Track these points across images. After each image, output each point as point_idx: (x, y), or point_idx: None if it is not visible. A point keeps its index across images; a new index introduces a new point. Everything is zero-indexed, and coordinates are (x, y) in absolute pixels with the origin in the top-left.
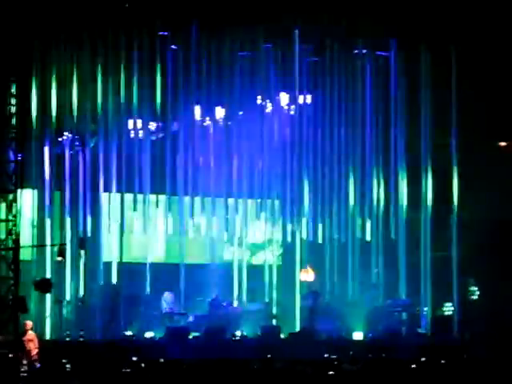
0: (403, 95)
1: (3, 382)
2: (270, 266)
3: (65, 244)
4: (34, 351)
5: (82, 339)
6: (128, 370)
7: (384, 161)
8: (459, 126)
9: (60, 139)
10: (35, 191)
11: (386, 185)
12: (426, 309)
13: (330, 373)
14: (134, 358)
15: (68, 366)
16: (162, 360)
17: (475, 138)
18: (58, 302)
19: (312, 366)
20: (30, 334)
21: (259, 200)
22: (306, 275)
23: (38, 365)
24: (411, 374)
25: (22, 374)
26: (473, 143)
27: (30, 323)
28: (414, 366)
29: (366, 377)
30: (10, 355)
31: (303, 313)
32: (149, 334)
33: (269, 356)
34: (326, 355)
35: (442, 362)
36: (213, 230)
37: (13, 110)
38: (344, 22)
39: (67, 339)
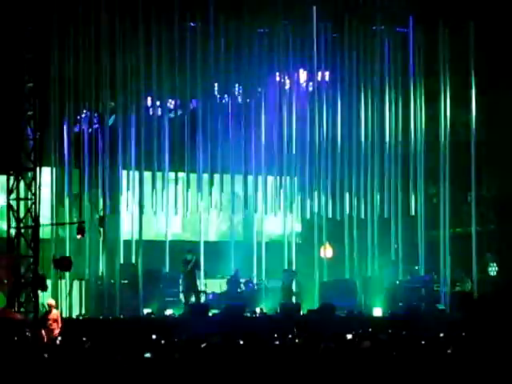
0: (421, 71)
1: (23, 360)
2: (289, 243)
3: (84, 222)
4: (56, 330)
5: (101, 317)
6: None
7: (403, 137)
8: (478, 102)
9: (78, 117)
10: (54, 169)
11: (404, 161)
12: (445, 285)
13: (349, 350)
14: (154, 336)
15: (88, 343)
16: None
17: (494, 114)
18: (78, 280)
19: (332, 342)
20: (54, 314)
21: (278, 177)
22: (325, 252)
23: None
24: (430, 350)
25: (41, 353)
26: (492, 119)
27: (53, 302)
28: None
29: (385, 353)
30: (30, 334)
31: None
32: (168, 312)
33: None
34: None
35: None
36: (232, 207)
37: (31, 88)
38: None
39: (87, 317)
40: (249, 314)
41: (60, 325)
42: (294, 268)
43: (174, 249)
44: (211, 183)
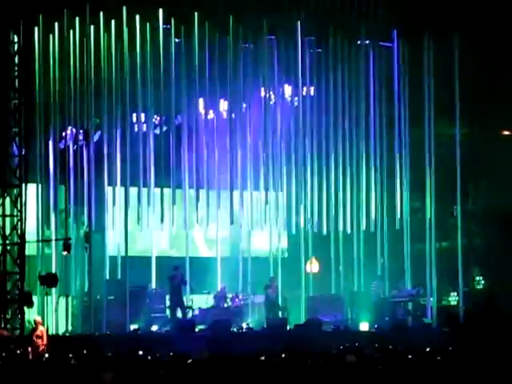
0: (406, 85)
1: (10, 377)
2: (276, 259)
3: (70, 238)
4: (42, 347)
5: (87, 333)
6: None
7: (388, 151)
8: (463, 115)
9: (64, 134)
10: (40, 186)
11: (390, 176)
12: (431, 299)
13: (336, 365)
14: (141, 352)
15: (73, 360)
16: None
17: (479, 127)
18: (64, 296)
19: (320, 358)
20: (41, 330)
21: (264, 192)
22: (312, 266)
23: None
24: (418, 365)
25: (27, 369)
26: (476, 132)
27: (39, 319)
28: (420, 356)
29: (372, 368)
30: (17, 351)
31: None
32: (154, 328)
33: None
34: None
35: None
36: (218, 222)
37: (16, 104)
38: (346, 13)
39: (73, 333)
40: (235, 330)
41: (45, 342)
42: (276, 282)
43: (161, 265)
44: (197, 199)
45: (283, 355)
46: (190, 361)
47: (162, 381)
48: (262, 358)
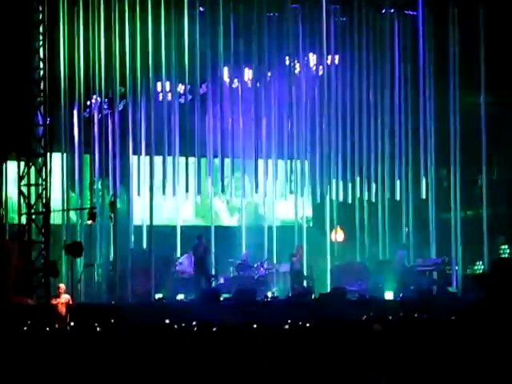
0: (432, 54)
1: (34, 346)
2: (300, 227)
3: (95, 207)
4: (65, 315)
5: (113, 302)
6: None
7: (413, 121)
8: (488, 86)
9: (89, 102)
10: (64, 155)
11: (415, 145)
12: (456, 268)
13: (362, 333)
14: (167, 321)
15: (99, 328)
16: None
17: (505, 97)
18: (89, 265)
19: (345, 326)
20: (64, 297)
21: (289, 161)
22: (336, 236)
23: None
24: (443, 333)
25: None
26: (503, 102)
27: (63, 286)
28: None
29: (397, 336)
30: (42, 319)
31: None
32: (179, 297)
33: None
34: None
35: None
36: (242, 191)
37: (41, 73)
38: None
39: (98, 302)
40: (260, 299)
41: (72, 302)
42: (302, 251)
43: (186, 234)
44: (222, 168)
45: (308, 324)
46: (214, 329)
47: (188, 349)
48: (287, 326)
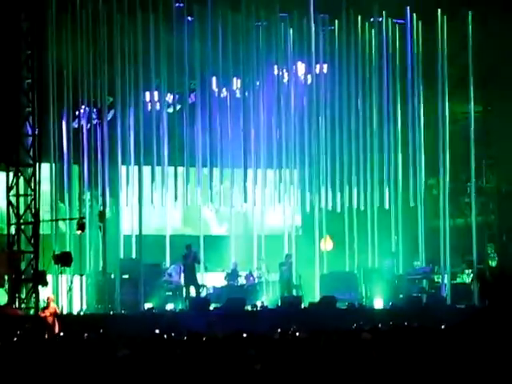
0: (420, 62)
1: (26, 356)
2: (290, 236)
3: (84, 217)
4: (56, 325)
5: (102, 312)
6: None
7: (402, 129)
8: (476, 92)
9: (77, 112)
10: (53, 165)
11: (404, 152)
12: (445, 276)
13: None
14: (157, 331)
15: (88, 339)
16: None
17: (493, 104)
18: (79, 275)
19: (335, 335)
20: (52, 308)
21: (277, 170)
22: (326, 245)
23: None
24: (433, 342)
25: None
26: (491, 109)
27: (52, 297)
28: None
29: (387, 345)
30: (32, 329)
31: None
32: (169, 306)
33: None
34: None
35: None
36: (231, 201)
37: (29, 83)
38: None
39: (87, 312)
40: (250, 308)
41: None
42: (291, 260)
43: (175, 243)
44: (210, 177)
45: (297, 333)
46: (204, 339)
47: (178, 359)
48: (277, 336)
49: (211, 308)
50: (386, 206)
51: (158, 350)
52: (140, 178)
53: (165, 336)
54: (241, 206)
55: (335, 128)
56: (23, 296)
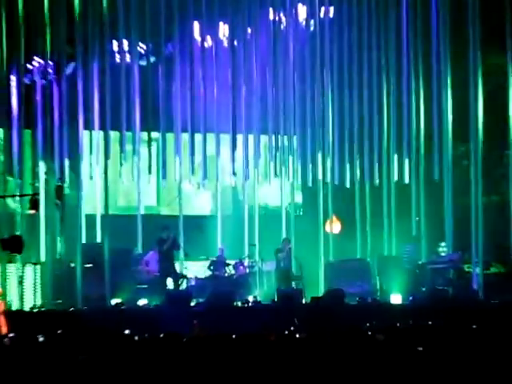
0: (446, 5)
1: None
2: (288, 217)
3: (38, 194)
4: (3, 324)
5: (59, 308)
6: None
7: (425, 86)
8: None
9: (30, 66)
10: (1, 130)
11: (427, 116)
12: (477, 265)
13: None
14: (127, 331)
15: (42, 339)
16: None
17: None
18: (32, 264)
19: (342, 337)
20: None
21: (273, 136)
22: (332, 226)
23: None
24: (462, 345)
25: None
26: None
27: None
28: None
29: (406, 348)
30: None
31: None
32: (142, 302)
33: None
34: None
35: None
36: (217, 173)
37: None
38: None
39: (42, 309)
40: (240, 304)
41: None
42: (290, 245)
43: (148, 225)
44: (192, 145)
45: (297, 335)
46: (184, 340)
47: (152, 364)
48: (272, 337)
49: (192, 304)
50: (406, 181)
51: (128, 354)
52: (106, 145)
53: (136, 337)
54: (229, 179)
55: (343, 85)
56: None
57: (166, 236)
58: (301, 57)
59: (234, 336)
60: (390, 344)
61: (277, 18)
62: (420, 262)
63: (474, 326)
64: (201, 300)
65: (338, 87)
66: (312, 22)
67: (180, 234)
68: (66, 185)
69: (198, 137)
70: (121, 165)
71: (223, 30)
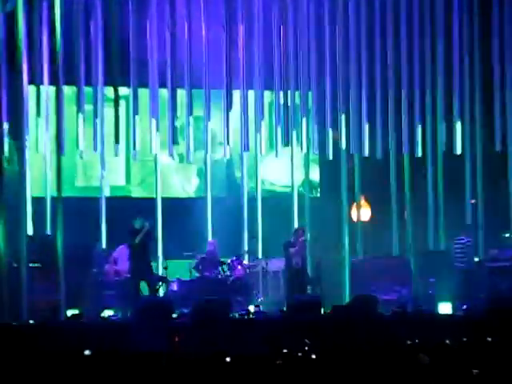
0: None
1: None
2: (301, 200)
3: None
4: None
5: None
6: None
7: (480, 29)
8: None
9: None
10: None
11: (484, 65)
12: None
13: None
14: (87, 352)
15: None
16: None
17: None
18: None
19: (374, 358)
20: None
21: (281, 93)
22: (360, 212)
23: None
24: None
25: None
26: None
27: None
28: None
29: (457, 373)
30: None
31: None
32: (107, 313)
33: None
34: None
35: None
36: (207, 143)
37: None
38: None
39: None
40: (237, 315)
41: None
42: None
43: (115, 211)
44: (173, 104)
45: (313, 355)
46: (163, 363)
47: None
48: (279, 361)
49: (174, 316)
50: (457, 151)
51: (89, 382)
52: (58, 105)
53: (99, 360)
54: (222, 150)
55: (374, 29)
56: None
57: (139, 225)
58: None
59: (228, 358)
60: (437, 368)
61: None
62: (477, 260)
63: None
64: (185, 310)
65: (367, 30)
66: None
67: (157, 224)
68: (4, 157)
69: (181, 93)
70: (77, 132)
71: None
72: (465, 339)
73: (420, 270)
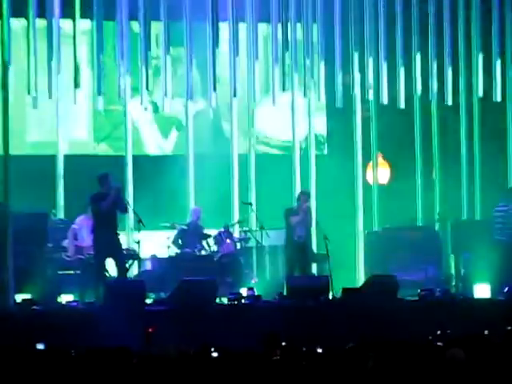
0: None
1: None
2: (305, 158)
3: None
4: None
5: None
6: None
7: None
8: None
9: None
10: None
11: None
12: None
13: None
14: (41, 346)
15: None
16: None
17: None
18: None
19: (394, 352)
20: None
21: (280, 25)
22: (377, 174)
23: None
24: None
25: None
26: None
27: None
28: None
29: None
30: None
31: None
32: (66, 298)
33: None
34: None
35: None
36: (188, 87)
37: None
38: None
39: None
40: (226, 301)
41: None
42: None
43: (76, 172)
44: (146, 40)
45: (319, 349)
46: (133, 360)
47: None
48: (277, 355)
49: (148, 301)
50: (497, 98)
51: (43, 382)
52: (3, 41)
53: (55, 355)
54: (206, 97)
55: None
56: None
57: (105, 190)
58: None
59: (214, 353)
60: (473, 364)
61: None
62: None
63: None
64: (162, 295)
65: None
66: None
67: (127, 187)
68: None
69: (157, 26)
70: (29, 76)
71: None
72: (509, 328)
73: (452, 244)
